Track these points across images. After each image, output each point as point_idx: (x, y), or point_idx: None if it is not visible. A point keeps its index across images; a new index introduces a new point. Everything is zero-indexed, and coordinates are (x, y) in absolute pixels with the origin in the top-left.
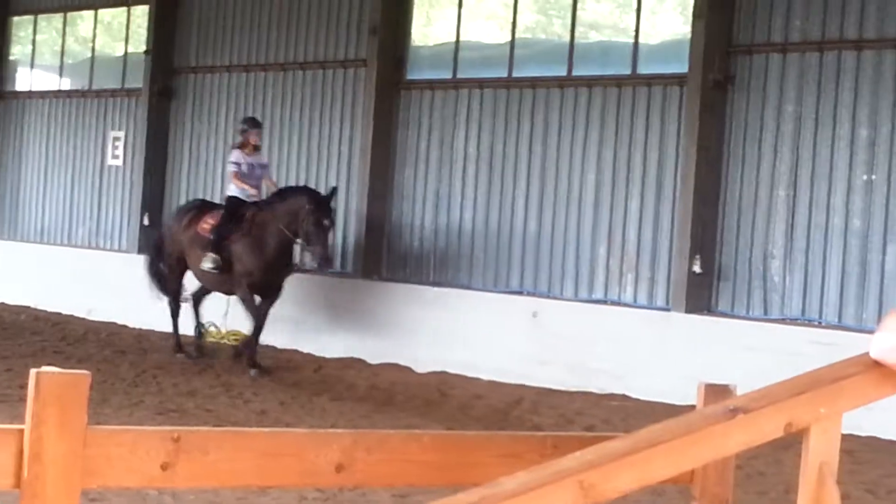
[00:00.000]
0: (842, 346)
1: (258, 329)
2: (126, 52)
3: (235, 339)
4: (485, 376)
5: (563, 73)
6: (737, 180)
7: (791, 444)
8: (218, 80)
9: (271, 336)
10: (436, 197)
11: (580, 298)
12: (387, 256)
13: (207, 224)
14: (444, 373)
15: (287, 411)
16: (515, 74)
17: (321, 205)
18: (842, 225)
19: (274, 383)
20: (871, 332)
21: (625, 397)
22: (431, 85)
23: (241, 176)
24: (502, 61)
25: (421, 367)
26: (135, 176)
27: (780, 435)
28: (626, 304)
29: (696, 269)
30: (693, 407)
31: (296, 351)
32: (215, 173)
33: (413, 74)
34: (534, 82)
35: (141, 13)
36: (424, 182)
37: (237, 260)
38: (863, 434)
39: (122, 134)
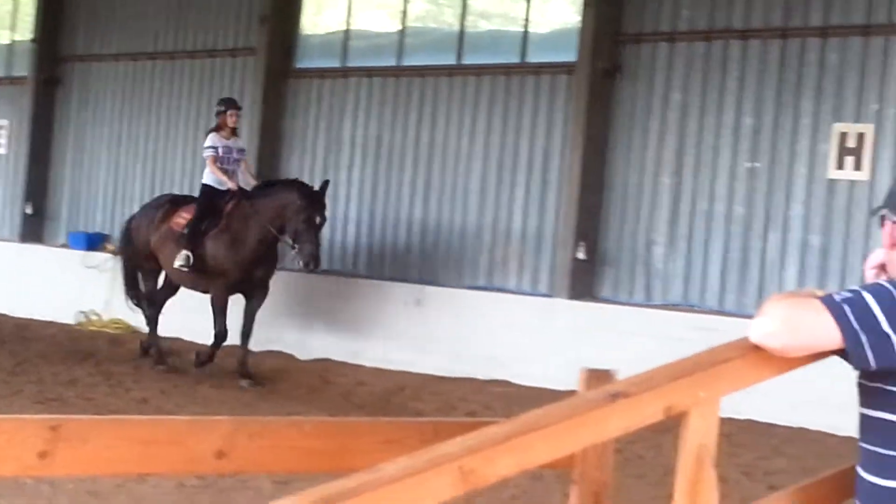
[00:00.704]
0: (722, 331)
1: (245, 334)
2: (12, 41)
3: (117, 327)
4: (368, 363)
5: (453, 61)
6: (622, 168)
7: (670, 427)
8: (105, 69)
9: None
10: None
11: (464, 285)
12: None
13: (182, 219)
14: (327, 360)
15: (168, 399)
16: (405, 63)
17: (313, 200)
18: (724, 212)
19: (155, 371)
20: (751, 317)
21: (507, 383)
22: (321, 73)
23: (217, 161)
24: (392, 50)
25: (304, 355)
26: (19, 165)
27: (659, 419)
28: (509, 291)
29: (580, 255)
30: (575, 392)
31: (179, 339)
32: (100, 163)
33: (302, 63)
34: (423, 71)
35: (28, 0)
36: (312, 170)
37: (212, 257)
38: (740, 417)
39: (6, 123)
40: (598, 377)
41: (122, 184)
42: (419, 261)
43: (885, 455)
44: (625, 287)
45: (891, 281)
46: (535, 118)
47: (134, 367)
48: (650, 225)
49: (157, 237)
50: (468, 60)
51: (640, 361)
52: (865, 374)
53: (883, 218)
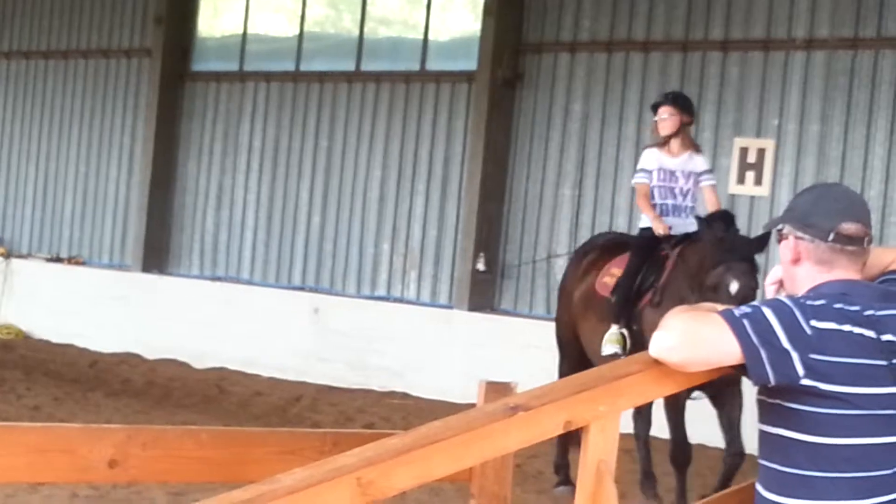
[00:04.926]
0: None
1: (733, 462)
2: None
3: (8, 332)
4: (265, 373)
5: (352, 67)
6: (522, 178)
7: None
8: None
9: (49, 330)
10: (219, 190)
11: (363, 295)
12: (167, 250)
13: (611, 276)
14: (223, 369)
15: (61, 407)
16: (303, 68)
17: (736, 256)
18: (625, 225)
19: (48, 378)
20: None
21: (406, 395)
22: (217, 77)
23: (651, 194)
24: (290, 54)
25: (200, 363)
26: None
27: (559, 432)
28: (409, 302)
29: (480, 266)
30: (474, 405)
31: (71, 345)
32: None
33: (199, 66)
34: (321, 76)
35: None
36: (208, 175)
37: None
38: None
39: None
40: (497, 390)
41: (13, 185)
42: (317, 269)
43: (783, 472)
44: (525, 299)
45: (790, 297)
46: (436, 126)
47: (25, 373)
48: (551, 237)
49: (578, 299)
50: (367, 67)
51: (540, 375)
52: (764, 390)
53: (781, 233)
